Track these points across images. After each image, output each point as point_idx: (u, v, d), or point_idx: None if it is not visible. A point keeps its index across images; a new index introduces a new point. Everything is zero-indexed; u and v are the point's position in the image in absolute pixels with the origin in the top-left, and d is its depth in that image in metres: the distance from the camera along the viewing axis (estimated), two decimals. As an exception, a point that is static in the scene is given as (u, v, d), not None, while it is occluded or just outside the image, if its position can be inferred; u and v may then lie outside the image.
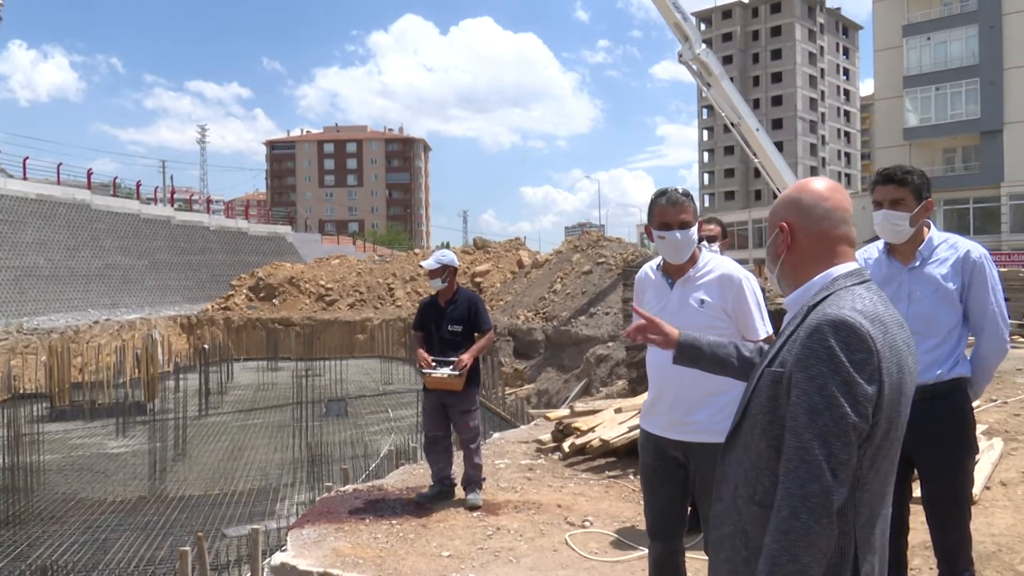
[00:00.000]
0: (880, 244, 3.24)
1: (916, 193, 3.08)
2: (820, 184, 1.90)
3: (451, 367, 5.41)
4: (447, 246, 55.58)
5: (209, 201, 60.96)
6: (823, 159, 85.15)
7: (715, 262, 3.19)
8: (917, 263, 3.12)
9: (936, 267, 3.09)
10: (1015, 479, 5.29)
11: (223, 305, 38.66)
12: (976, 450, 3.17)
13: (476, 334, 5.65)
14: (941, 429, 2.92)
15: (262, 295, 38.96)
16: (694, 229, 3.12)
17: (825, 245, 1.83)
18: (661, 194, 3.18)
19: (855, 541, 1.66)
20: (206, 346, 28.81)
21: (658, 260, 3.29)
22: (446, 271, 5.62)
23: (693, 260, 3.18)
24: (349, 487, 6.12)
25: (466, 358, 5.44)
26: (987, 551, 4.06)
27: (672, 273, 3.21)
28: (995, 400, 7.66)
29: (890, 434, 1.70)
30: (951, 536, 3.04)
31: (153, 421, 17.95)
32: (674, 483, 3.12)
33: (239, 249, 49.37)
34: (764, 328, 3.12)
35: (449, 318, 5.57)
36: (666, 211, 3.12)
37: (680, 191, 3.18)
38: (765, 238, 2.15)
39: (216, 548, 9.97)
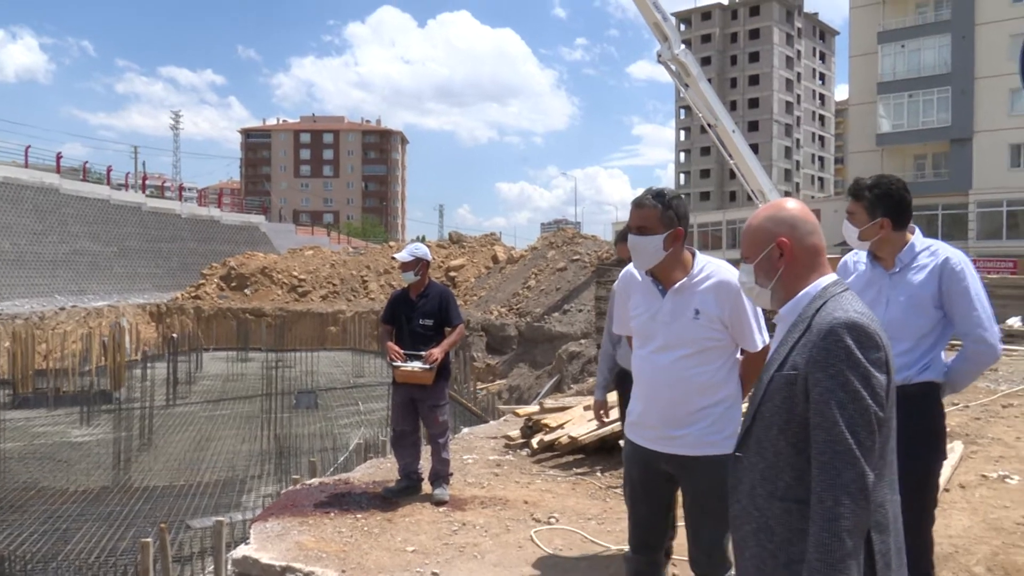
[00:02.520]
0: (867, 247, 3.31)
1: (869, 209, 3.14)
2: (796, 203, 2.10)
3: (422, 361, 5.38)
4: (422, 240, 55.44)
5: (181, 188, 60.16)
6: (797, 162, 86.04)
7: (711, 268, 2.95)
8: (897, 269, 3.15)
9: (915, 274, 3.11)
10: (973, 482, 5.38)
11: (193, 294, 38.22)
12: (944, 456, 3.18)
13: (447, 328, 5.63)
14: (907, 431, 2.93)
15: (233, 285, 38.58)
16: (658, 238, 2.87)
17: (815, 256, 2.02)
18: (641, 194, 3.01)
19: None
20: (175, 335, 28.47)
21: None
22: (419, 264, 5.58)
23: (686, 267, 2.95)
24: (315, 480, 6.08)
25: (437, 352, 5.41)
26: (944, 552, 4.13)
27: (662, 279, 2.97)
28: (956, 404, 7.80)
29: (891, 422, 1.88)
30: (912, 540, 3.07)
31: (119, 410, 17.72)
32: (660, 497, 3.00)
33: (211, 238, 48.80)
34: (762, 338, 2.93)
35: (420, 312, 5.54)
36: (631, 212, 2.96)
37: (652, 193, 2.94)
38: (739, 241, 2.25)
39: (180, 540, 9.86)
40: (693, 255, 2.99)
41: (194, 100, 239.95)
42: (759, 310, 2.98)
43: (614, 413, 6.52)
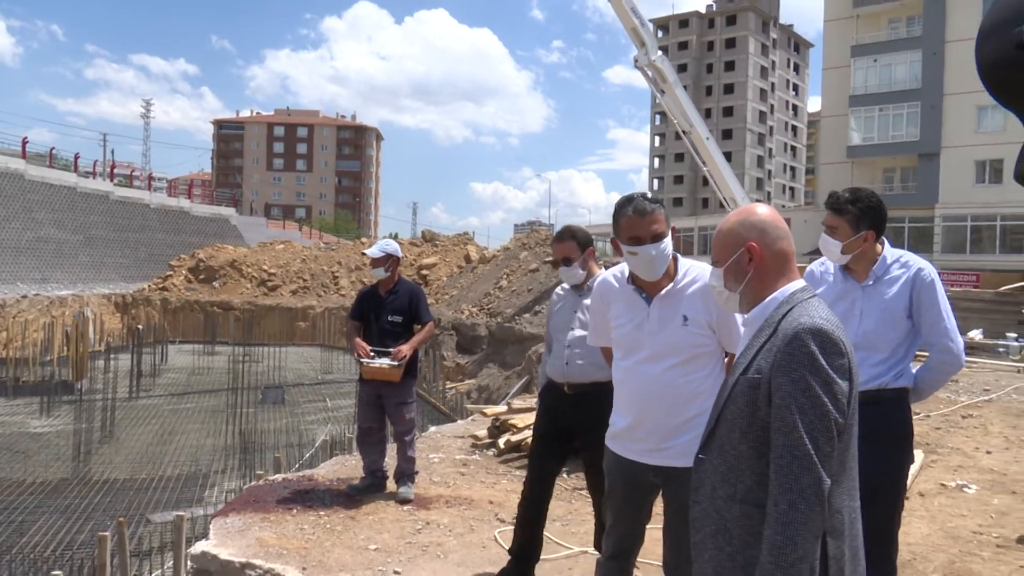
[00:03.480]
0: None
1: (853, 224, 3.16)
2: (766, 209, 2.11)
3: (390, 357, 5.34)
4: (395, 237, 55.18)
5: (151, 178, 59.31)
6: (769, 172, 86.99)
7: (695, 271, 2.86)
8: (871, 282, 3.19)
9: (888, 286, 3.17)
10: (933, 490, 5.47)
11: (160, 285, 37.66)
12: (911, 460, 3.27)
13: (416, 326, 5.59)
14: (880, 434, 2.98)
15: (202, 277, 38.07)
16: (668, 240, 2.81)
17: (784, 261, 2.03)
18: (627, 203, 2.83)
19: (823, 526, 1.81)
20: (140, 326, 28.04)
21: (621, 268, 2.99)
22: (389, 260, 5.55)
23: (670, 273, 2.86)
24: (279, 476, 6.01)
25: (405, 349, 5.37)
26: (902, 559, 4.18)
27: (646, 287, 2.88)
28: (918, 414, 7.93)
29: (852, 429, 1.88)
30: (879, 541, 3.11)
31: (80, 401, 17.40)
32: (641, 508, 2.96)
33: (180, 229, 48.14)
34: None
35: (389, 308, 5.50)
36: (635, 223, 2.79)
37: (648, 197, 2.85)
38: (710, 247, 2.25)
39: (139, 534, 9.69)
40: (675, 259, 2.90)
41: (166, 89, 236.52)
42: None
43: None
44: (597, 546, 4.07)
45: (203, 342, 30.02)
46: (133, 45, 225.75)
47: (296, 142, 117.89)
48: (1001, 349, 15.01)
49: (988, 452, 6.61)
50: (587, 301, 3.99)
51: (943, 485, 5.57)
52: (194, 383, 23.05)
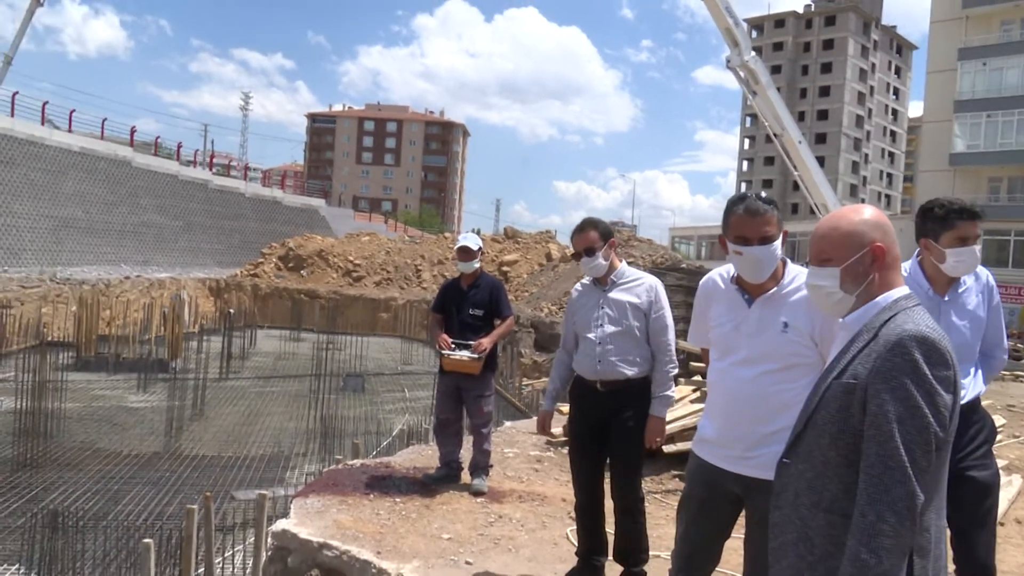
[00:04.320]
0: (906, 271, 3.20)
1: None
2: (874, 209, 2.04)
3: (470, 350, 5.41)
4: (478, 232, 55.62)
5: (247, 168, 61.61)
6: (864, 178, 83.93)
7: (803, 278, 2.69)
8: (953, 294, 3.14)
9: (967, 296, 3.13)
10: (1031, 518, 5.18)
11: (252, 272, 39.06)
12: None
13: (496, 320, 5.64)
14: (973, 442, 2.99)
15: (291, 265, 39.30)
16: (778, 243, 2.72)
17: (896, 265, 1.98)
18: (739, 200, 2.75)
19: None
20: (232, 311, 29.13)
21: (728, 267, 2.93)
22: (480, 254, 5.64)
23: (776, 276, 2.77)
24: (357, 461, 6.16)
25: (486, 342, 5.43)
26: (995, 587, 3.98)
27: (750, 288, 2.80)
28: (1017, 436, 7.51)
29: (948, 445, 1.81)
30: (974, 561, 3.01)
31: (174, 379, 18.21)
32: (719, 519, 2.83)
33: (272, 218, 49.79)
34: None
35: (471, 302, 5.57)
36: (744, 222, 2.70)
37: (762, 197, 2.76)
38: (799, 254, 2.18)
39: (224, 509, 10.09)
40: (784, 263, 2.82)
41: (263, 83, 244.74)
42: None
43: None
44: (616, 558, 4.01)
45: (290, 328, 30.98)
46: (235, 40, 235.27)
47: (385, 136, 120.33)
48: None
49: (1094, 481, 6.20)
50: (612, 295, 4.00)
51: (1043, 513, 5.26)
52: (280, 367, 23.82)
